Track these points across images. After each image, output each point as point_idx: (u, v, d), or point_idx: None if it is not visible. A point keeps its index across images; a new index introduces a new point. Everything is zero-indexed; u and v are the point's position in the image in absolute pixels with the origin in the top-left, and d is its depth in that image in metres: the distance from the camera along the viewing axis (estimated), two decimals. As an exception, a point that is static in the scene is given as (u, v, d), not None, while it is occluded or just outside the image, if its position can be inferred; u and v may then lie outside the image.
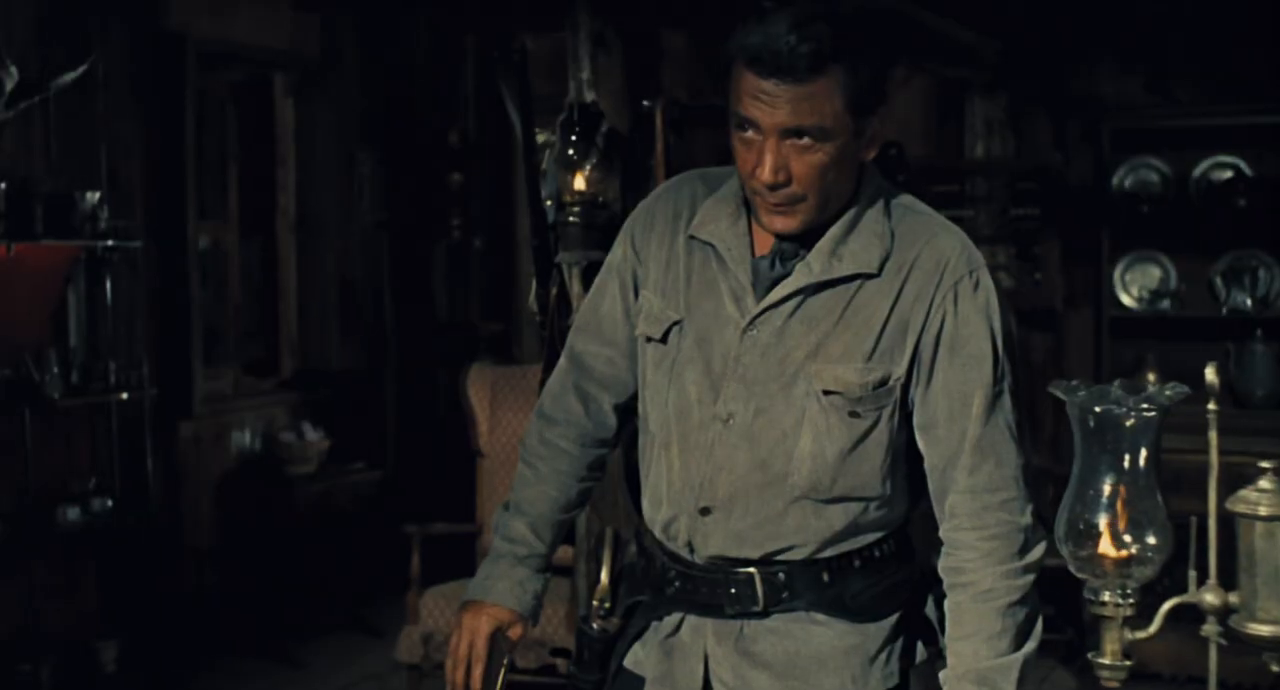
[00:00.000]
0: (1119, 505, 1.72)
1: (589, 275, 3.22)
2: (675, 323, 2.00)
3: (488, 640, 2.10)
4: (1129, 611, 1.73)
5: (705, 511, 1.96)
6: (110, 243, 5.08)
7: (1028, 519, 1.91)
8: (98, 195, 5.05)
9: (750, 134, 1.84)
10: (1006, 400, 1.91)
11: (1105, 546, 1.73)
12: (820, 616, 1.97)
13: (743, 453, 1.94)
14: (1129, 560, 1.73)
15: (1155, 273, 6.00)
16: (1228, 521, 1.72)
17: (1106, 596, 1.73)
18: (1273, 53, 5.64)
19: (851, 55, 1.81)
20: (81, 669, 5.04)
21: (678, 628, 2.04)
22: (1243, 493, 1.71)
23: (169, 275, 5.65)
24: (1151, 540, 1.72)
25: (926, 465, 1.96)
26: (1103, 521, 1.73)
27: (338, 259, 6.70)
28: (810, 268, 1.91)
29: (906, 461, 1.99)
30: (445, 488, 6.49)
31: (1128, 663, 1.74)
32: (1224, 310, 5.84)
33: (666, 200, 2.08)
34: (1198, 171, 5.89)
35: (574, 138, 3.10)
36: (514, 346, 6.87)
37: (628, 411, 2.18)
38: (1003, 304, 1.94)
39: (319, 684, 5.53)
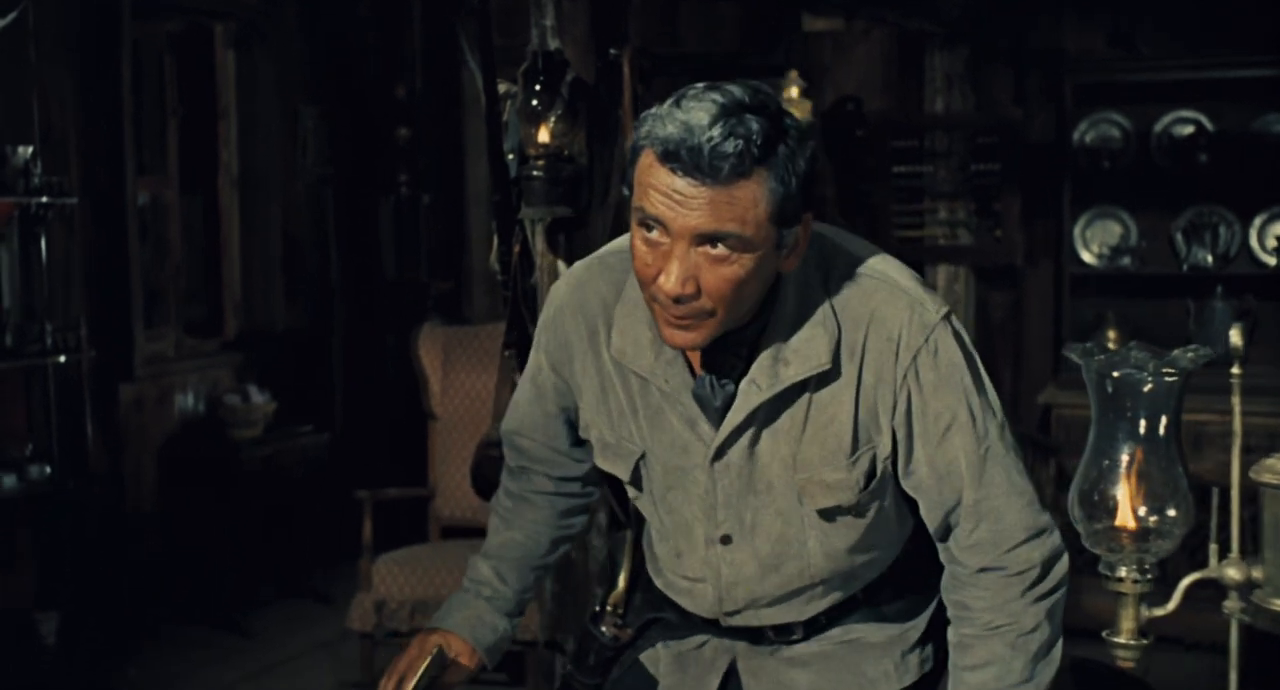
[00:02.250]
0: (1137, 476, 1.63)
1: (553, 232, 3.10)
2: (639, 458, 1.87)
3: (426, 655, 2.00)
4: (1147, 588, 1.64)
5: (731, 614, 1.91)
6: (44, 199, 4.91)
7: (1042, 552, 1.77)
8: (30, 150, 4.89)
9: (656, 235, 1.61)
10: (996, 449, 1.76)
11: (1122, 519, 1.64)
12: (860, 625, 1.94)
13: (751, 566, 1.86)
14: (1147, 533, 1.64)
15: (1116, 229, 5.95)
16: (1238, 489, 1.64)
17: (1123, 572, 1.64)
18: (1236, 6, 5.58)
19: (781, 158, 1.58)
20: (20, 642, 4.88)
21: (701, 646, 1.99)
22: (1269, 461, 1.63)
23: (106, 233, 5.46)
24: (1172, 512, 1.63)
25: (921, 511, 1.84)
26: (1120, 493, 1.64)
27: (281, 216, 6.53)
28: (756, 385, 1.74)
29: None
30: (396, 451, 6.37)
31: (1145, 642, 1.65)
32: (1184, 267, 5.80)
33: (574, 317, 1.89)
34: (1159, 127, 5.84)
35: (537, 88, 2.95)
36: (465, 306, 6.73)
37: (586, 478, 2.10)
38: (966, 349, 1.76)
39: (268, 653, 5.41)
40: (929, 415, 1.74)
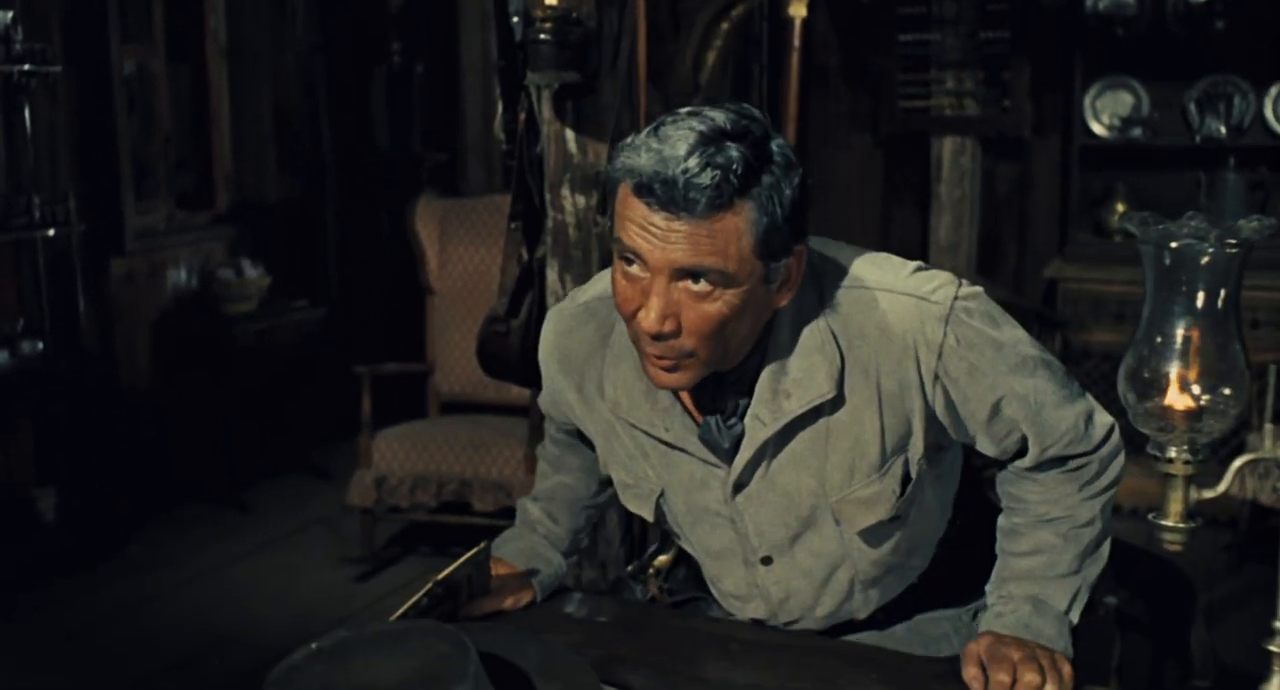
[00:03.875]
0: (1193, 352, 1.55)
1: (560, 98, 2.98)
2: (659, 496, 1.81)
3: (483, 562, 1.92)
4: (1198, 469, 1.57)
5: (789, 624, 1.89)
6: (27, 67, 4.76)
7: (1103, 453, 1.75)
8: (10, 15, 4.74)
9: (636, 269, 1.52)
10: (1047, 398, 1.69)
11: (1173, 397, 1.56)
12: (922, 615, 1.93)
13: (797, 581, 1.81)
14: (1200, 412, 1.56)
15: (1127, 99, 5.82)
16: None
17: (1173, 453, 1.57)
18: None
19: (764, 188, 1.48)
20: (19, 518, 4.85)
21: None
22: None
23: (92, 103, 5.31)
24: (1227, 391, 1.55)
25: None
26: (1173, 370, 1.55)
27: (272, 86, 6.36)
28: (760, 420, 1.66)
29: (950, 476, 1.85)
30: (392, 326, 6.29)
31: (1193, 525, 1.59)
32: (1197, 138, 5.69)
33: (562, 369, 1.82)
34: (1176, -8, 5.68)
35: (544, -55, 2.82)
36: (459, 178, 6.61)
37: None
38: (988, 317, 1.66)
39: (268, 528, 5.39)
40: (972, 401, 1.67)
